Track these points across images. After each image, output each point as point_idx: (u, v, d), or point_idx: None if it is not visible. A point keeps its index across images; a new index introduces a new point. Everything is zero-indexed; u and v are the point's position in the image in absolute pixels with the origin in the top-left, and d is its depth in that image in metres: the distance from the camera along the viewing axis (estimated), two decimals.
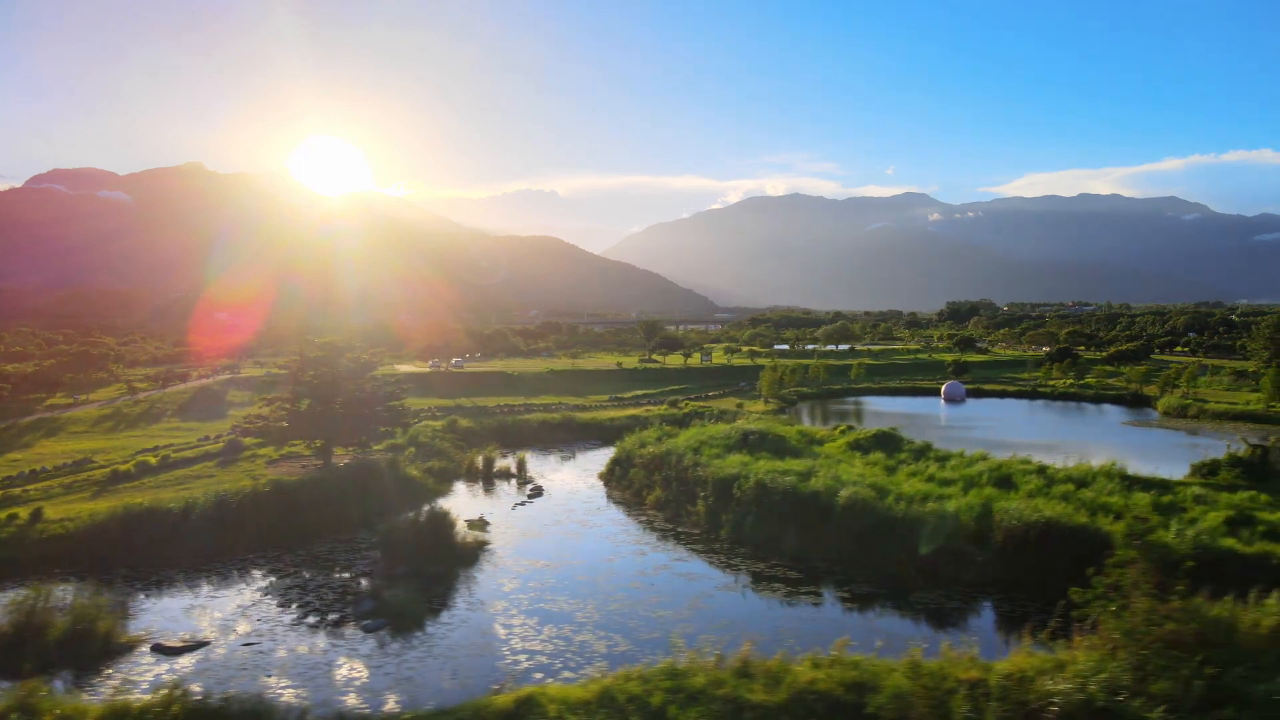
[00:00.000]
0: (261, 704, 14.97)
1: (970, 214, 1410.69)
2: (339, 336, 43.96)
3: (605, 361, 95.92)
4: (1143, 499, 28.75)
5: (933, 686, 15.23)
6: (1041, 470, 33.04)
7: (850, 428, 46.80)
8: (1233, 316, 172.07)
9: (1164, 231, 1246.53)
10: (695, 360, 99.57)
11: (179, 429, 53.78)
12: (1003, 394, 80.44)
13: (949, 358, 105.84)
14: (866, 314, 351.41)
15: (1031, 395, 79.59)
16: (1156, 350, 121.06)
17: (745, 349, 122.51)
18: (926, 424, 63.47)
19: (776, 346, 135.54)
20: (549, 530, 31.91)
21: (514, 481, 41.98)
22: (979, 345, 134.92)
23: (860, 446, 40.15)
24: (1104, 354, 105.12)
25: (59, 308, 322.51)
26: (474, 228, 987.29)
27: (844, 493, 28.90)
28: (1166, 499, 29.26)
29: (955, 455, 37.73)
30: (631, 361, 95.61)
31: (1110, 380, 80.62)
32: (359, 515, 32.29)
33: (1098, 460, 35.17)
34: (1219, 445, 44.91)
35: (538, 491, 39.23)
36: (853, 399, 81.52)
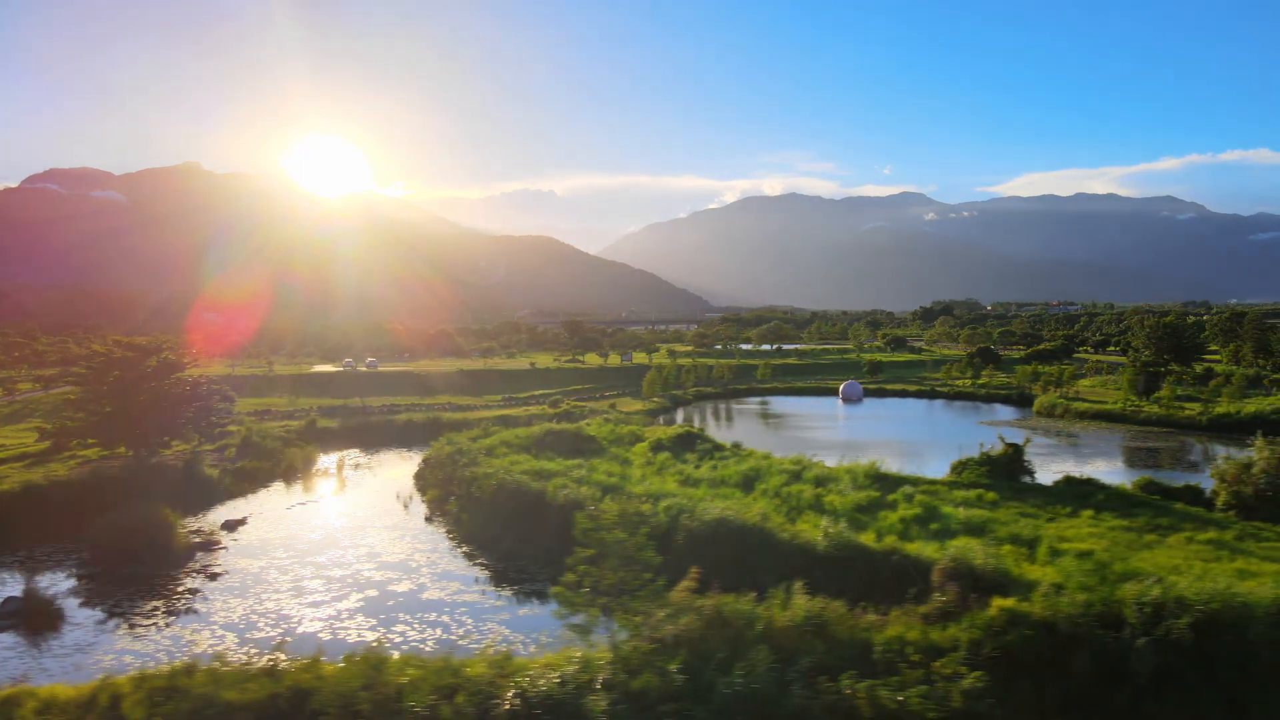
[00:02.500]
0: None
1: (966, 213, 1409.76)
2: (148, 338, 44.21)
3: (521, 362, 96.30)
4: (858, 497, 29.00)
5: (389, 682, 15.44)
6: (798, 473, 33.24)
7: (682, 425, 47.05)
8: (1189, 317, 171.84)
9: (1160, 230, 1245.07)
10: (615, 360, 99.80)
11: (35, 430, 54.00)
12: (903, 394, 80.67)
13: (879, 357, 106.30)
14: (844, 313, 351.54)
15: (931, 395, 79.81)
16: (1090, 350, 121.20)
17: (664, 348, 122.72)
18: (802, 422, 63.91)
19: (715, 346, 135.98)
20: (302, 529, 32.10)
21: (330, 480, 42.24)
22: (910, 345, 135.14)
23: (661, 446, 40.31)
24: (1022, 353, 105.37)
25: (53, 309, 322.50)
26: (471, 228, 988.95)
27: (563, 493, 29.14)
28: (892, 496, 29.53)
29: (745, 454, 38.04)
30: (546, 361, 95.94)
31: (1006, 379, 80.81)
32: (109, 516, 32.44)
33: (883, 457, 35.65)
34: (1042, 443, 45.18)
35: (333, 490, 39.53)
36: (756, 398, 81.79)
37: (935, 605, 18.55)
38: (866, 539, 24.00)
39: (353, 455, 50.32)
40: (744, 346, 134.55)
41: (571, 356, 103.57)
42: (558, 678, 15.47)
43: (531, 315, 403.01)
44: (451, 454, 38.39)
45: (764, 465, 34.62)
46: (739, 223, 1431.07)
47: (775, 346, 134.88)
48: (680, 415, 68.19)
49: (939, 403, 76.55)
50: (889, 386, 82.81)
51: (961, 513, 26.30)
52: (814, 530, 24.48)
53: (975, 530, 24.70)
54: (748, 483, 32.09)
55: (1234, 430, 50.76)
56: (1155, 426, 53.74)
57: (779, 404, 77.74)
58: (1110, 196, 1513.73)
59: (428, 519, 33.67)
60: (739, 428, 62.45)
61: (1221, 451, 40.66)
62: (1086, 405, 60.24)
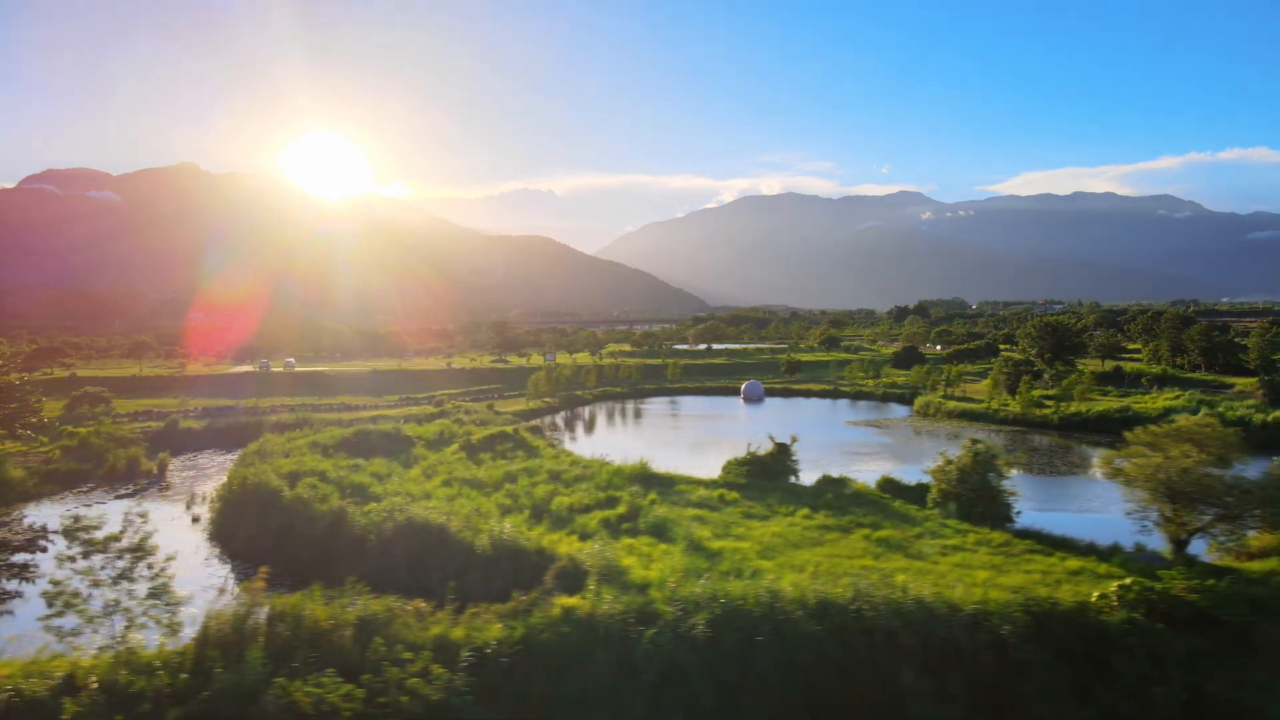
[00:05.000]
0: None
1: (962, 212, 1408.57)
2: None
3: (438, 363, 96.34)
4: (587, 497, 28.94)
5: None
6: (559, 473, 33.21)
7: (501, 426, 46.97)
8: (1145, 314, 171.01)
9: (1157, 229, 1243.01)
10: (537, 360, 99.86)
11: None
12: (808, 393, 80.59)
13: (803, 357, 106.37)
14: (823, 312, 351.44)
15: (835, 395, 79.73)
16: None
17: (613, 348, 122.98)
18: (689, 421, 64.10)
19: (661, 345, 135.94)
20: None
21: (147, 482, 42.31)
22: (844, 344, 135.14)
23: (468, 446, 40.35)
24: (946, 352, 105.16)
25: (49, 310, 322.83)
26: (470, 228, 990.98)
27: (293, 492, 29.19)
28: (632, 494, 29.49)
29: (541, 454, 38.09)
30: (463, 362, 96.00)
31: (906, 378, 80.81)
32: None
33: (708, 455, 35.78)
34: (878, 442, 45.11)
35: (133, 491, 39.65)
36: (664, 398, 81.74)
37: (512, 604, 18.57)
38: (552, 538, 24.06)
39: (200, 457, 50.44)
40: (680, 346, 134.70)
41: (497, 356, 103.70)
42: (50, 679, 15.49)
43: (524, 315, 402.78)
44: (252, 452, 38.43)
45: (535, 465, 34.64)
46: (737, 222, 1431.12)
47: (706, 346, 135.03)
48: (564, 415, 68.26)
49: (843, 402, 76.45)
50: (795, 386, 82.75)
51: (671, 513, 26.31)
52: (512, 531, 24.47)
53: (657, 530, 24.67)
54: (503, 482, 32.06)
55: (1081, 429, 50.67)
56: (1012, 425, 53.63)
57: (684, 403, 77.73)
58: (1108, 195, 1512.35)
59: (194, 520, 33.71)
60: (611, 427, 62.57)
61: (1092, 451, 40.78)
62: (955, 405, 60.19)
